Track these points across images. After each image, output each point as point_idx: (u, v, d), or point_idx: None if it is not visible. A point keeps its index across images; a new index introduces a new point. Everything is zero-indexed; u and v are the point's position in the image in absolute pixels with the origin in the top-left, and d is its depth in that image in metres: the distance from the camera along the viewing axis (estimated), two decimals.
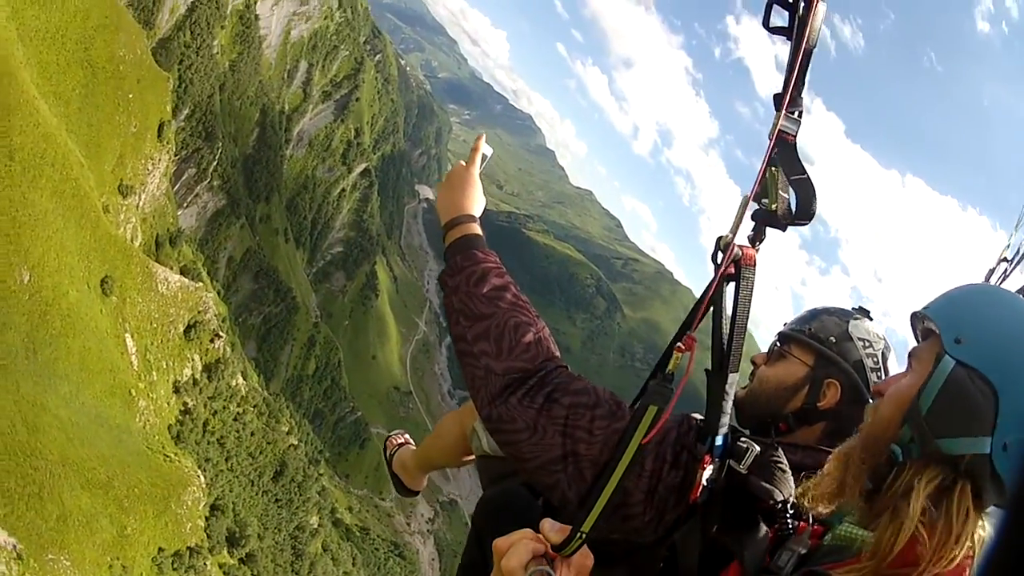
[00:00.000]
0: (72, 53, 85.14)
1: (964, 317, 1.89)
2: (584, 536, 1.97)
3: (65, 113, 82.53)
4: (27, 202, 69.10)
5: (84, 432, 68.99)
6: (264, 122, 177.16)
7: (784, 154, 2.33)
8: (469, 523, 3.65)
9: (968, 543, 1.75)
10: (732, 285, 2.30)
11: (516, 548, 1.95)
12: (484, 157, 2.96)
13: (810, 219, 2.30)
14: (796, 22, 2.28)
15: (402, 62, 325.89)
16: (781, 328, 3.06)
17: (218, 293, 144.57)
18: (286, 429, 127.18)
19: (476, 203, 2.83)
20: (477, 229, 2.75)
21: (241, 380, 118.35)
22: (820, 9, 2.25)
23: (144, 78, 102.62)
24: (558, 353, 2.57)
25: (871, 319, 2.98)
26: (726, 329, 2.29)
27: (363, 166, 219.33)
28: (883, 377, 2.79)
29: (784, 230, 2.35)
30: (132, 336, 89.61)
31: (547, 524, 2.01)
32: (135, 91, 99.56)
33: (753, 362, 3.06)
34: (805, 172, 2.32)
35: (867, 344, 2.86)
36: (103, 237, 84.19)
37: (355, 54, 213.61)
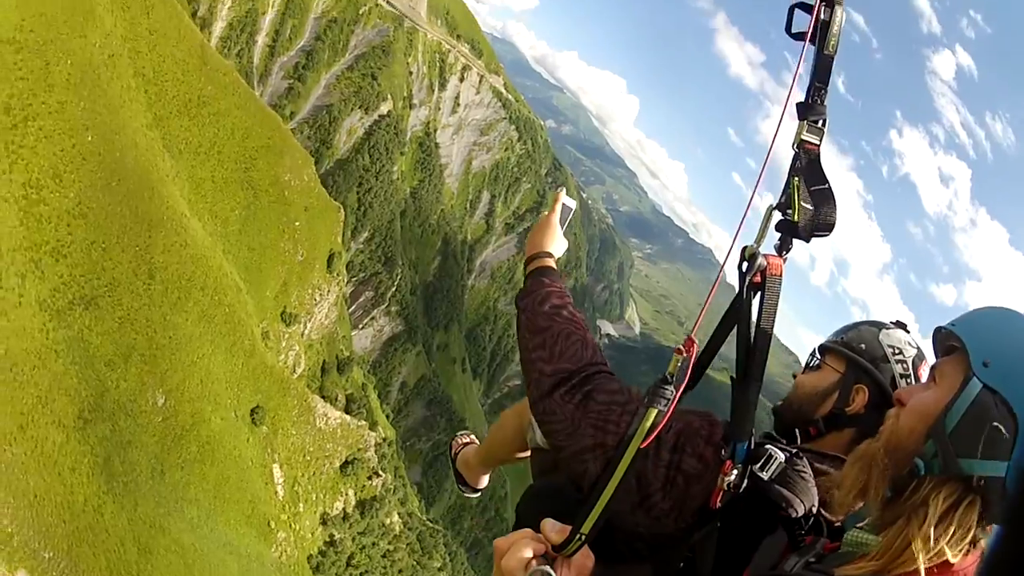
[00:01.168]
0: (230, 172, 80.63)
1: (992, 340, 1.94)
2: (583, 537, 2.02)
3: (223, 233, 78.92)
4: (168, 324, 65.19)
5: (207, 559, 64.57)
6: (446, 251, 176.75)
7: (807, 165, 2.42)
8: None
9: (967, 549, 1.87)
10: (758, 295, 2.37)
11: (516, 548, 2.02)
12: (566, 208, 3.33)
13: (829, 231, 2.41)
14: (818, 27, 2.40)
15: (583, 195, 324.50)
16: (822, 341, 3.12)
17: (387, 416, 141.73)
18: (438, 565, 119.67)
19: (554, 244, 3.17)
20: (551, 262, 3.08)
21: (396, 518, 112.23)
22: (839, 14, 2.37)
23: (312, 206, 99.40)
24: (603, 360, 2.72)
25: (906, 331, 3.00)
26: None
27: None
28: (911, 384, 2.87)
29: (807, 240, 2.42)
30: (281, 467, 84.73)
31: (547, 524, 2.08)
32: (302, 218, 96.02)
33: (794, 377, 3.13)
34: (826, 183, 2.41)
35: (896, 351, 2.92)
36: (258, 367, 79.90)
37: (537, 187, 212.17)
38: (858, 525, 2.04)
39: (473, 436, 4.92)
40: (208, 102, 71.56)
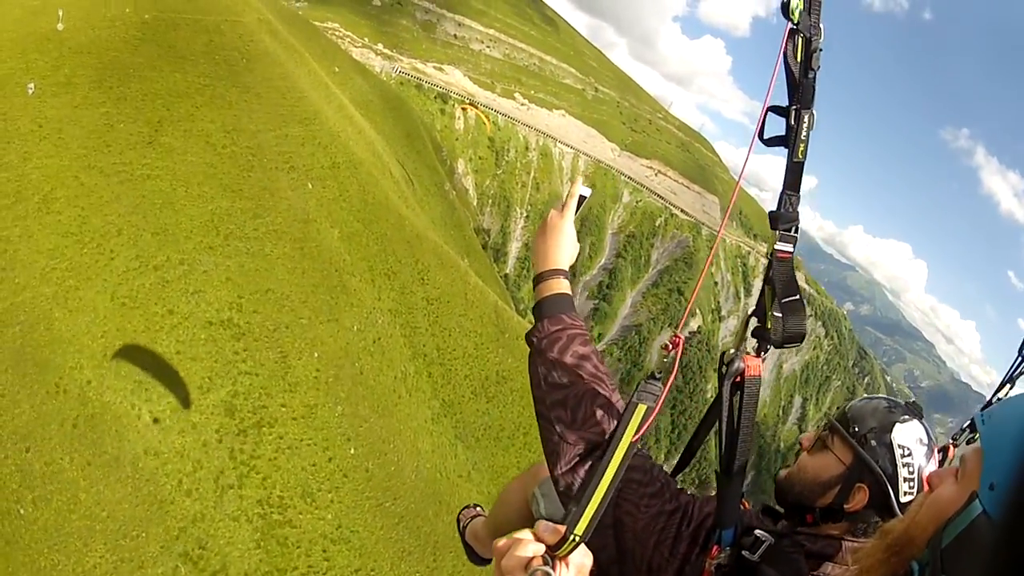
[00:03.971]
0: (538, 455, 61.12)
1: (1007, 461, 1.69)
2: (577, 539, 1.92)
3: None
4: None
5: None
6: (759, 464, 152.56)
7: (780, 273, 2.32)
8: None
9: None
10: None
11: (516, 548, 1.92)
12: (582, 199, 2.84)
13: (800, 341, 2.32)
14: (789, 133, 2.27)
15: (888, 378, 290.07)
16: (836, 410, 2.83)
17: None
18: None
19: (565, 254, 2.74)
20: (565, 286, 2.69)
21: None
22: (807, 120, 2.25)
23: None
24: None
25: (921, 417, 2.68)
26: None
27: None
28: (914, 488, 2.58)
29: (780, 347, 2.35)
30: None
31: (542, 525, 1.98)
32: None
33: (800, 443, 2.91)
34: (797, 293, 2.30)
35: (906, 452, 2.60)
36: None
37: (847, 383, 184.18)
38: None
39: (480, 508, 4.61)
40: (509, 377, 54.30)
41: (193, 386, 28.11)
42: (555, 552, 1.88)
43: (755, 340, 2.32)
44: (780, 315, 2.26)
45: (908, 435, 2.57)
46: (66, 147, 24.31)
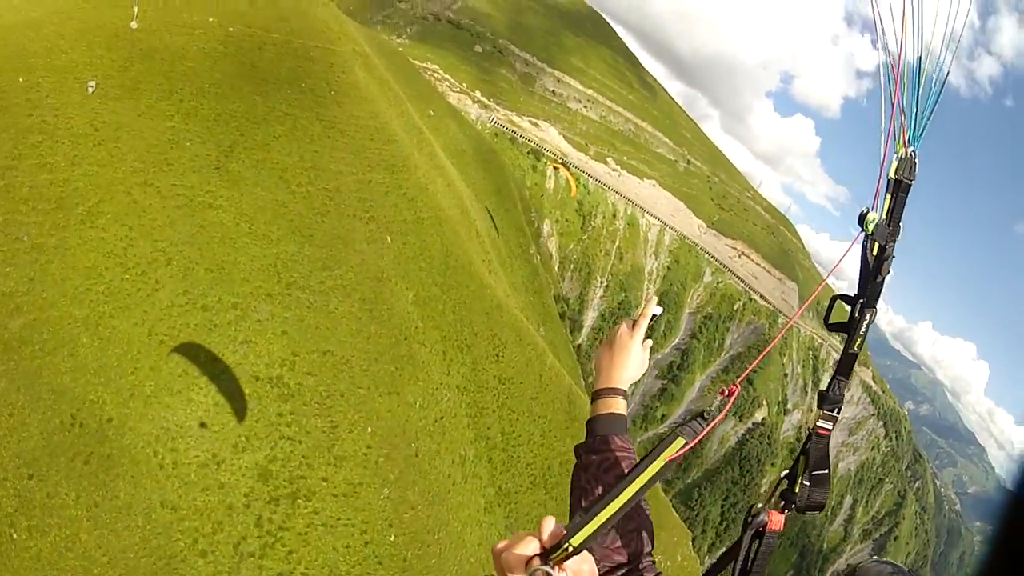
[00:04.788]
0: None
1: None
2: (571, 549, 1.89)
3: None
4: None
5: None
6: (800, 563, 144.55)
7: (816, 448, 2.53)
8: None
9: None
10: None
11: (518, 545, 1.90)
12: (653, 317, 3.01)
13: (820, 510, 2.55)
14: (851, 322, 2.47)
15: (937, 482, 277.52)
16: (846, 568, 2.80)
17: None
18: None
19: (629, 373, 2.89)
20: (621, 407, 2.78)
21: None
22: (868, 317, 2.45)
23: None
24: (651, 548, 2.67)
25: None
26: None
27: None
28: None
29: (801, 513, 2.54)
30: None
31: (545, 523, 1.96)
32: None
33: None
34: (827, 468, 2.51)
35: None
36: None
37: (899, 487, 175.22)
38: None
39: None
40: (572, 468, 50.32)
41: (227, 443, 24.75)
42: (550, 556, 1.85)
43: (781, 500, 2.44)
44: (808, 484, 2.41)
45: None
46: (122, 158, 21.50)
